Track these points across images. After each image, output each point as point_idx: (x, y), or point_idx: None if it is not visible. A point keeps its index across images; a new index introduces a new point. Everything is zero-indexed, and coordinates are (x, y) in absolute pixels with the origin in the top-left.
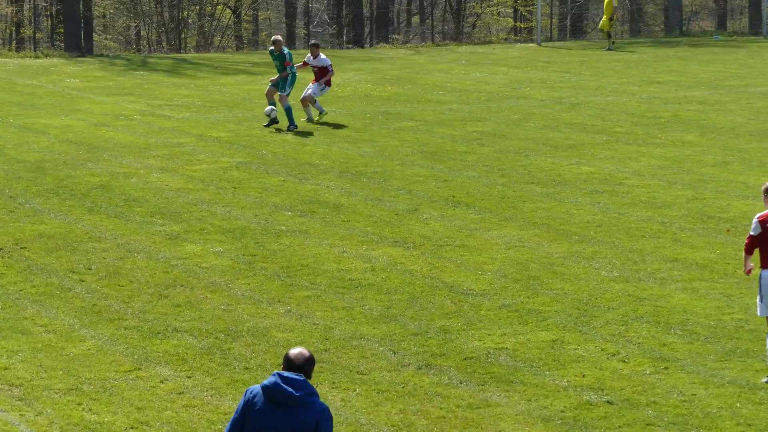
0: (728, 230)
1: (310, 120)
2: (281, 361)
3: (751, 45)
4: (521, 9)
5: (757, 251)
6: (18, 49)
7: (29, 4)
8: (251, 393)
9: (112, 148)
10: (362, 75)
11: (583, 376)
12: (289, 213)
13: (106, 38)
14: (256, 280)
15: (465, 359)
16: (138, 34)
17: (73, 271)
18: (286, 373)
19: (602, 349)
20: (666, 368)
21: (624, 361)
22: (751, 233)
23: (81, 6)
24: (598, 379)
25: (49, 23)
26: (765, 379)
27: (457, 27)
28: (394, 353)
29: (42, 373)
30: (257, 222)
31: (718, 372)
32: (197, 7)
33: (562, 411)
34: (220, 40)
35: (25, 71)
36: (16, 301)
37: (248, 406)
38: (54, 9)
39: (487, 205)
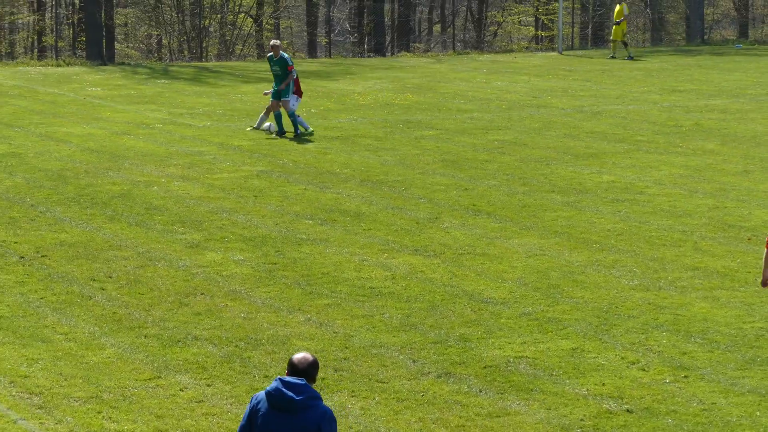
0: (749, 239)
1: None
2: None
3: None
4: (542, 18)
5: None
6: (40, 58)
7: (51, 13)
8: (256, 399)
9: (134, 157)
10: (383, 83)
11: (603, 384)
12: (310, 221)
13: (127, 47)
14: (276, 288)
15: (485, 368)
16: (159, 42)
17: (94, 279)
18: (287, 378)
19: (622, 358)
20: (686, 377)
21: (644, 370)
22: None
23: (103, 14)
24: (617, 387)
25: (71, 32)
26: None
27: (479, 35)
28: (414, 361)
29: (62, 382)
30: (278, 230)
31: (739, 381)
32: (219, 16)
33: (582, 420)
34: (242, 49)
35: (46, 79)
36: (36, 309)
37: (253, 411)
38: (76, 17)
39: (507, 214)
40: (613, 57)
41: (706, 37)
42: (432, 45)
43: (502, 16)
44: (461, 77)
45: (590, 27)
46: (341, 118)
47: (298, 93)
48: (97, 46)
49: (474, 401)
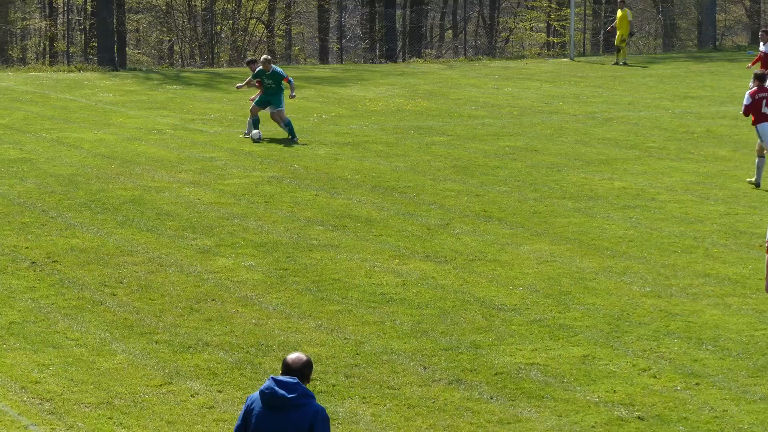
0: (761, 245)
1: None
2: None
3: None
4: (554, 24)
5: None
6: (52, 63)
7: (63, 19)
8: (251, 399)
9: (145, 162)
10: (395, 89)
11: (614, 391)
12: (321, 227)
13: (139, 53)
14: (287, 294)
15: (496, 374)
16: (171, 48)
17: (105, 285)
18: (280, 377)
19: (633, 365)
20: (697, 384)
21: (655, 377)
22: None
23: (114, 20)
24: (629, 394)
25: (83, 37)
26: None
27: (490, 42)
28: (425, 368)
29: (73, 387)
30: (289, 236)
31: (750, 388)
32: (230, 22)
33: (593, 427)
34: (253, 54)
35: (58, 85)
36: (47, 315)
37: (248, 411)
38: (87, 23)
39: (518, 220)
40: (619, 63)
41: (718, 43)
42: (443, 51)
43: (514, 22)
44: (473, 83)
45: (602, 33)
46: (352, 124)
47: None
48: (108, 52)
49: (485, 408)
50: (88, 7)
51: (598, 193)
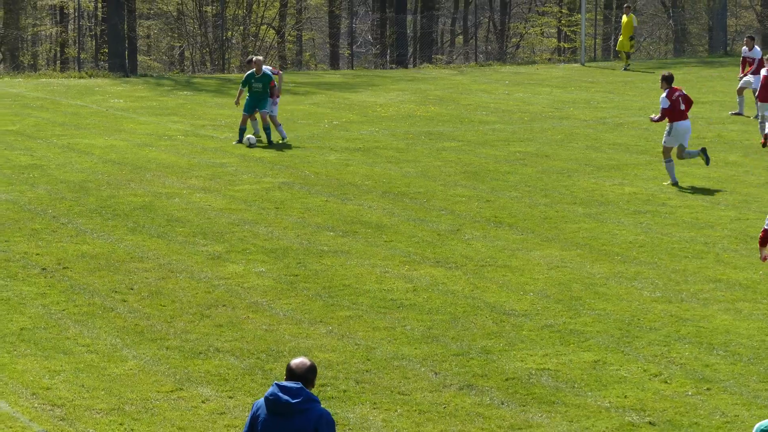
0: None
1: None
2: (321, 381)
3: None
4: (565, 29)
5: None
6: (63, 69)
7: (74, 25)
8: (256, 406)
9: (155, 169)
10: (405, 95)
11: (625, 396)
12: (331, 233)
13: (150, 59)
14: (297, 300)
15: (506, 380)
16: (182, 54)
17: (116, 291)
18: (283, 383)
19: (644, 370)
20: (708, 389)
21: (666, 382)
22: (766, 227)
23: (125, 26)
24: (640, 400)
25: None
26: None
27: (501, 47)
28: (436, 374)
29: (84, 393)
30: (299, 242)
31: (761, 393)
32: (241, 28)
33: None
34: (264, 60)
35: (69, 91)
36: (58, 321)
37: (254, 418)
38: (98, 29)
39: (529, 226)
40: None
41: (728, 48)
42: (454, 57)
43: (525, 27)
44: (483, 89)
45: (613, 38)
46: (363, 130)
47: (274, 96)
48: (119, 58)
49: (496, 413)
50: (99, 14)
51: (609, 198)
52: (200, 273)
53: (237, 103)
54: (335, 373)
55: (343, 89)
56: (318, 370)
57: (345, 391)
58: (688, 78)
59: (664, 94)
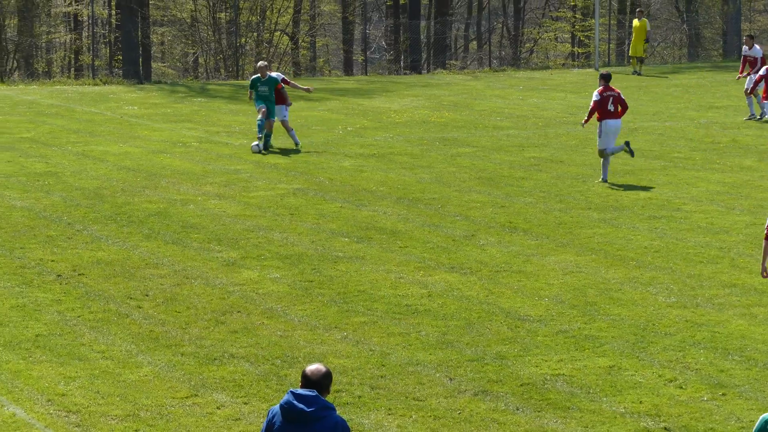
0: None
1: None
2: (336, 387)
3: None
4: (579, 34)
5: None
6: (77, 77)
7: (88, 32)
8: (272, 413)
9: (170, 175)
10: (419, 101)
11: (641, 402)
12: (346, 239)
13: (164, 65)
14: (312, 306)
15: (521, 385)
16: (196, 61)
17: (131, 298)
18: (299, 390)
19: (659, 375)
20: (724, 394)
21: (681, 388)
22: None
23: (139, 33)
24: (655, 405)
25: (108, 51)
26: None
27: (515, 52)
28: (451, 379)
29: (99, 400)
30: (314, 248)
31: None
32: (255, 34)
33: None
34: (278, 67)
35: (83, 98)
36: (73, 327)
37: (270, 425)
38: (112, 36)
39: (544, 231)
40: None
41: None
42: (468, 62)
43: (539, 33)
44: (497, 94)
45: (627, 43)
46: (377, 136)
47: (286, 102)
48: (133, 65)
49: (511, 419)
50: (113, 21)
51: (624, 203)
52: (215, 279)
53: (250, 98)
54: (350, 379)
55: (357, 95)
56: (333, 376)
57: (360, 397)
58: (703, 83)
59: (597, 90)
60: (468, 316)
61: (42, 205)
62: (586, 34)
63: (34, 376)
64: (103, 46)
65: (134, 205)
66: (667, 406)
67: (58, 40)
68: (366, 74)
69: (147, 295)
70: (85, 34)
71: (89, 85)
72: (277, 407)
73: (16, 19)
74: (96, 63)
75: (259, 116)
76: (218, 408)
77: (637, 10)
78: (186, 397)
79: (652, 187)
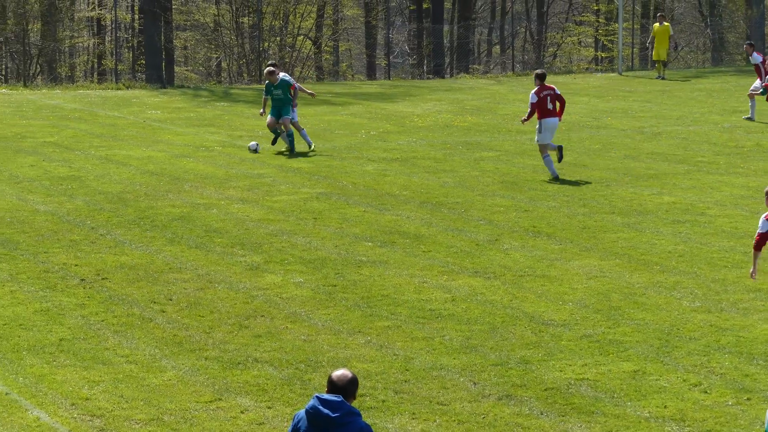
0: None
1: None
2: (361, 391)
3: None
4: (602, 39)
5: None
6: (100, 81)
7: (111, 36)
8: (297, 417)
9: (193, 180)
10: (442, 105)
11: (665, 407)
12: (370, 243)
13: (187, 70)
14: (336, 310)
15: (546, 390)
16: (219, 65)
17: (155, 302)
18: (324, 396)
19: (684, 380)
20: (748, 399)
21: (706, 392)
22: (761, 231)
23: (162, 38)
24: (679, 410)
25: (131, 55)
26: None
27: (538, 57)
28: (475, 384)
29: (123, 404)
30: (337, 252)
31: None
32: (278, 39)
33: None
34: (301, 71)
35: (106, 103)
36: (97, 332)
37: (295, 430)
38: (135, 41)
39: (567, 236)
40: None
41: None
42: (491, 66)
43: (562, 37)
44: (520, 99)
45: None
46: (400, 140)
47: (292, 103)
48: (156, 70)
49: (535, 424)
50: (136, 25)
51: (648, 208)
52: (238, 283)
53: (262, 113)
54: (374, 384)
55: (380, 99)
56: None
57: (384, 401)
58: (726, 87)
59: (533, 91)
60: (492, 320)
61: (65, 210)
62: (609, 38)
63: (58, 381)
64: (126, 50)
65: (157, 209)
66: (691, 410)
67: (81, 44)
68: (389, 78)
69: (171, 300)
70: (108, 38)
71: (112, 89)
72: (302, 412)
73: (40, 23)
74: (119, 67)
75: (281, 128)
76: (242, 412)
77: (659, 14)
78: (210, 402)
79: (675, 192)
